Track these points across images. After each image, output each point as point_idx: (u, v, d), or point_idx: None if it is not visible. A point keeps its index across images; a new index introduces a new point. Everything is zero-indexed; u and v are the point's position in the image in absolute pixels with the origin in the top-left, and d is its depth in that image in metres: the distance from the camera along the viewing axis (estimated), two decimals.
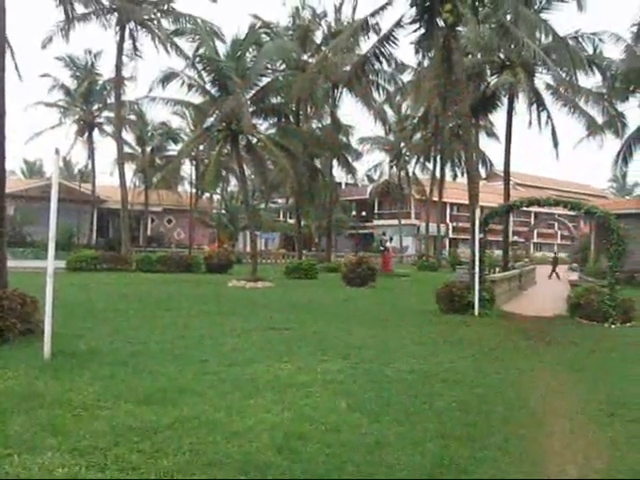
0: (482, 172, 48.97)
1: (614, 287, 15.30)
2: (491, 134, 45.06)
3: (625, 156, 29.88)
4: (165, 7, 34.39)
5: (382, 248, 38.40)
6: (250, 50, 27.23)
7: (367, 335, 11.85)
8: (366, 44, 20.75)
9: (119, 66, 34.46)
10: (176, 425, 5.74)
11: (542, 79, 28.12)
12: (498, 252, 35.38)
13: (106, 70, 47.53)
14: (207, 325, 12.42)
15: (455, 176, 51.30)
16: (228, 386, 7.31)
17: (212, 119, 28.48)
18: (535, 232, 74.86)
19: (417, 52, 20.16)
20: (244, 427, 5.78)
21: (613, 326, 14.56)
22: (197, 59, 26.47)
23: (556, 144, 28.58)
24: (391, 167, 60.39)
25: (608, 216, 16.01)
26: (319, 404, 6.67)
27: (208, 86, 26.51)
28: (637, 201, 34.51)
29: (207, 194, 56.01)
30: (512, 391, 7.77)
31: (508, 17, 21.26)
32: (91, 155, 50.15)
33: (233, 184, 57.66)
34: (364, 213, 67.87)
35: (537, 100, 27.73)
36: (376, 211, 71.62)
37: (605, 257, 17.90)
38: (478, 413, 6.62)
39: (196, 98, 27.73)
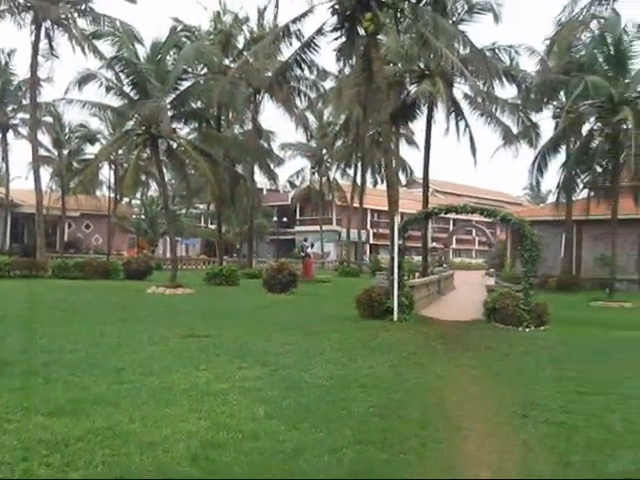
0: (402, 179, 49.82)
1: (528, 292, 15.72)
2: (411, 142, 45.83)
3: (539, 165, 30.77)
4: (82, 7, 33.56)
5: (303, 254, 38.34)
6: (171, 53, 26.87)
7: (287, 341, 11.81)
8: (288, 50, 20.74)
9: (34, 66, 33.42)
10: (89, 437, 5.59)
11: (460, 89, 28.66)
12: (418, 258, 35.82)
13: (21, 70, 46.13)
14: (124, 333, 12.15)
15: (376, 183, 51.91)
16: (144, 395, 7.17)
17: (132, 122, 27.97)
18: (454, 238, 76.38)
19: (338, 60, 20.20)
20: (160, 437, 5.68)
21: (527, 330, 14.95)
22: (114, 61, 25.88)
23: (474, 152, 29.19)
24: (313, 173, 60.82)
25: (522, 223, 16.46)
26: (237, 412, 6.62)
27: (127, 89, 26.00)
28: (550, 208, 35.50)
29: (126, 199, 54.96)
30: (429, 395, 7.89)
31: (428, 28, 21.61)
32: (5, 158, 48.49)
33: (153, 189, 56.88)
34: (285, 219, 67.83)
35: (455, 109, 28.24)
36: (298, 217, 71.88)
37: (520, 262, 18.37)
38: (396, 418, 6.68)
39: (115, 101, 27.17)
